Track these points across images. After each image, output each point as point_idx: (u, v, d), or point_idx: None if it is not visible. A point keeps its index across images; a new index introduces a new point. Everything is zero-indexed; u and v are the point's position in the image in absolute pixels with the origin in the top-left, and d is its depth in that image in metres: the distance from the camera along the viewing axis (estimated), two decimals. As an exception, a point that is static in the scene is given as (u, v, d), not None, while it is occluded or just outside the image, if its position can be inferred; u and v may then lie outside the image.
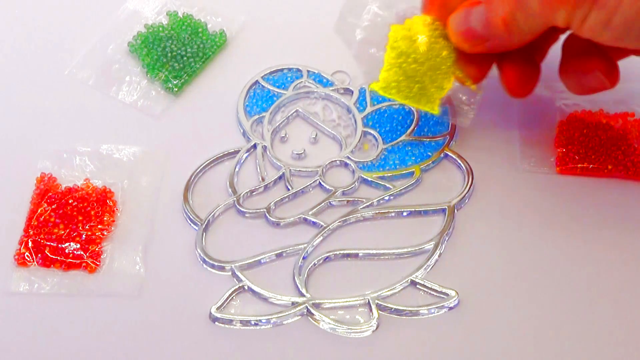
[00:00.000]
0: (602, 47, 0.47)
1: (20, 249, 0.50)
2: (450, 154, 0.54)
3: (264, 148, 0.55)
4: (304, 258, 0.50)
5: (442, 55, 0.49)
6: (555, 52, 0.51)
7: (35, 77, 0.59)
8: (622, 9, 0.41)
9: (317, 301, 0.48)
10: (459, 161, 0.53)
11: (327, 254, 0.50)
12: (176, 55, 0.58)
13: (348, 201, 0.52)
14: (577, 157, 0.53)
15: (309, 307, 0.48)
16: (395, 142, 0.54)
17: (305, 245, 0.50)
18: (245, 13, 0.62)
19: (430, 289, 0.49)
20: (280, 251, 0.50)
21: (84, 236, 0.50)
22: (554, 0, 0.43)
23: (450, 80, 0.50)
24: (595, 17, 0.43)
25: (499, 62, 0.50)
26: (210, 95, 0.58)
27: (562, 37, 0.50)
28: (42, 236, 0.50)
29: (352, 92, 0.57)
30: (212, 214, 0.52)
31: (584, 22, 0.43)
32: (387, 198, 0.52)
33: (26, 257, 0.50)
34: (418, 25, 0.50)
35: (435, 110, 0.51)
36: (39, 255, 0.50)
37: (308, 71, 0.58)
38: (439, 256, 0.50)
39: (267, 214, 0.51)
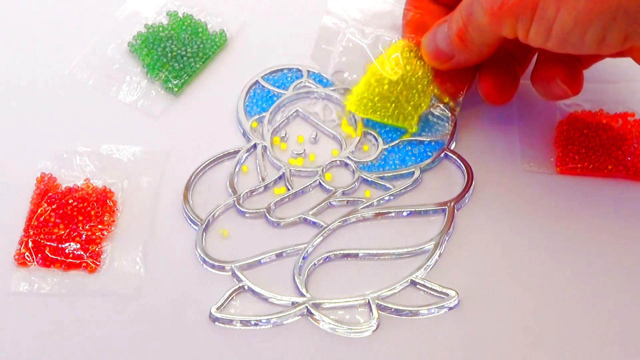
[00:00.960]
0: (568, 57, 0.48)
1: (20, 249, 0.50)
2: (450, 154, 0.54)
3: (264, 148, 0.55)
4: (304, 258, 0.50)
5: (417, 75, 0.52)
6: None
7: (36, 77, 0.59)
8: (559, 19, 0.43)
9: (317, 301, 0.48)
10: (459, 161, 0.53)
11: (327, 254, 0.50)
12: (176, 55, 0.58)
13: (348, 201, 0.52)
14: (577, 157, 0.53)
15: (309, 307, 0.48)
16: (395, 142, 0.54)
17: (305, 245, 0.50)
18: (245, 13, 0.62)
19: (430, 289, 0.49)
20: (280, 251, 0.50)
21: (84, 236, 0.50)
22: (498, 14, 0.45)
23: (428, 98, 0.53)
24: (536, 28, 0.44)
25: (479, 72, 0.52)
26: (210, 95, 0.58)
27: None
28: (42, 236, 0.50)
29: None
30: (212, 214, 0.52)
31: (527, 33, 0.45)
32: (387, 198, 0.52)
33: (26, 257, 0.50)
34: (392, 49, 0.52)
35: (414, 128, 0.53)
36: (39, 255, 0.50)
37: (308, 71, 0.58)
38: (439, 256, 0.50)
39: (267, 214, 0.51)
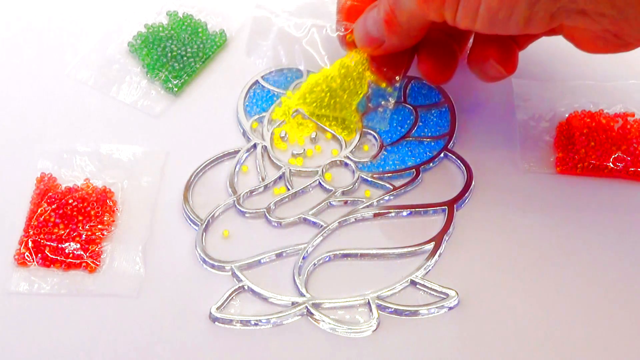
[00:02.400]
0: (501, 38, 0.48)
1: (20, 249, 0.50)
2: (450, 154, 0.54)
3: (264, 148, 0.55)
4: (304, 258, 0.50)
5: (352, 62, 0.52)
6: (551, 45, 0.51)
7: (36, 77, 0.59)
8: (485, 1, 0.43)
9: (317, 301, 0.48)
10: (459, 161, 0.53)
11: (327, 254, 0.50)
12: (176, 55, 0.58)
13: (348, 201, 0.52)
14: (577, 157, 0.53)
15: (309, 307, 0.48)
16: (395, 142, 0.54)
17: (305, 245, 0.50)
18: (245, 13, 0.62)
19: (430, 289, 0.49)
20: (280, 251, 0.50)
21: (84, 236, 0.50)
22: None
23: (365, 85, 0.53)
24: (463, 11, 0.44)
25: (418, 54, 0.52)
26: (210, 95, 0.58)
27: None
28: (42, 236, 0.50)
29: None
30: (212, 214, 0.52)
31: (454, 15, 0.45)
32: (387, 198, 0.52)
33: (26, 257, 0.50)
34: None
35: (353, 117, 0.53)
36: (39, 255, 0.50)
37: (308, 71, 0.58)
38: (439, 256, 0.50)
39: (267, 214, 0.51)
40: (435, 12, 0.45)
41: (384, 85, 0.52)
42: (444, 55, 0.51)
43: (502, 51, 0.49)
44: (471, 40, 0.52)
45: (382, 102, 0.53)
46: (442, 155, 0.54)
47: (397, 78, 0.52)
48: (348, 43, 0.53)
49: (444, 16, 0.45)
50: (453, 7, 0.44)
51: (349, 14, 0.52)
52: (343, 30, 0.53)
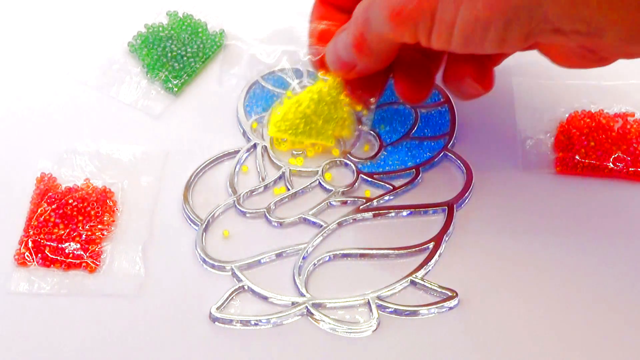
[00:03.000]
0: (477, 56, 0.48)
1: (20, 249, 0.50)
2: (450, 154, 0.54)
3: (264, 148, 0.55)
4: (304, 258, 0.50)
5: (326, 88, 0.51)
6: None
7: (36, 77, 0.59)
8: (459, 22, 0.42)
9: (317, 301, 0.48)
10: (459, 161, 0.53)
11: (327, 254, 0.50)
12: (176, 55, 0.58)
13: (348, 201, 0.52)
14: (577, 157, 0.53)
15: (309, 307, 0.48)
16: (395, 142, 0.54)
17: (305, 245, 0.50)
18: (245, 13, 0.62)
19: (430, 289, 0.49)
20: (280, 251, 0.50)
21: (84, 236, 0.50)
22: (398, 20, 0.44)
23: (340, 110, 0.52)
24: (437, 32, 0.43)
25: (393, 73, 0.51)
26: (210, 95, 0.58)
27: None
28: (42, 236, 0.50)
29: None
30: (212, 214, 0.52)
31: (429, 37, 0.44)
32: (387, 198, 0.52)
33: (26, 257, 0.50)
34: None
35: (330, 142, 0.53)
36: (39, 255, 0.50)
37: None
38: (439, 256, 0.50)
39: (267, 214, 0.51)
40: (408, 34, 0.44)
41: (359, 108, 0.52)
42: (419, 75, 0.50)
43: (477, 69, 0.48)
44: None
45: (358, 126, 0.53)
46: (442, 155, 0.54)
47: (372, 100, 0.52)
48: (321, 67, 0.52)
49: (417, 38, 0.44)
50: (427, 29, 0.43)
51: (320, 38, 0.52)
52: (315, 54, 0.52)
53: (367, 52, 0.47)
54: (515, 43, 0.42)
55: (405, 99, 0.51)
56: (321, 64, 0.52)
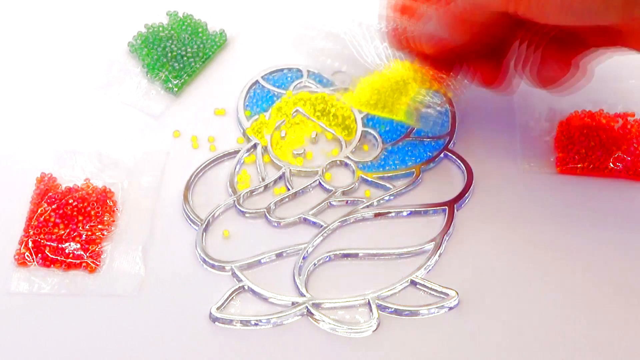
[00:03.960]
0: (560, 39, 0.47)
1: (20, 249, 0.50)
2: (450, 154, 0.54)
3: (264, 148, 0.55)
4: (304, 258, 0.50)
5: (403, 64, 0.52)
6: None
7: (36, 77, 0.59)
8: None
9: (317, 301, 0.48)
10: (459, 161, 0.53)
11: (327, 254, 0.50)
12: (176, 55, 0.58)
13: (348, 201, 0.52)
14: (577, 157, 0.53)
15: (309, 307, 0.48)
16: (395, 142, 0.54)
17: (305, 245, 0.50)
18: (245, 13, 0.62)
19: (430, 289, 0.49)
20: (280, 251, 0.50)
21: (84, 236, 0.50)
22: None
23: (414, 87, 0.52)
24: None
25: (466, 64, 0.50)
26: (210, 95, 0.58)
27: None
28: (42, 236, 0.50)
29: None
30: (212, 214, 0.52)
31: (529, 5, 0.43)
32: (387, 198, 0.52)
33: (26, 257, 0.50)
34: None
35: (403, 117, 0.53)
36: (39, 255, 0.50)
37: (308, 71, 0.58)
38: (439, 256, 0.50)
39: (267, 214, 0.51)
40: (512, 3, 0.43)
41: (435, 87, 0.52)
42: (493, 62, 0.50)
43: (561, 50, 0.47)
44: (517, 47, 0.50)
45: (432, 104, 0.53)
46: (442, 155, 0.54)
47: (450, 76, 0.51)
48: (398, 41, 0.51)
49: (518, 6, 0.43)
50: None
51: (401, 13, 0.51)
52: (394, 26, 0.51)
53: (463, 25, 0.46)
54: (615, 7, 0.41)
55: (483, 82, 0.50)
56: (398, 39, 0.51)
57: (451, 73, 0.51)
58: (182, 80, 0.58)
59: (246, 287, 0.49)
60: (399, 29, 0.51)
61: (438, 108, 0.53)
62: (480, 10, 0.46)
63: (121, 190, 0.53)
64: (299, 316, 0.48)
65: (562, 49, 0.47)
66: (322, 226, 0.51)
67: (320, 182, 0.53)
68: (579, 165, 0.52)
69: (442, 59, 0.50)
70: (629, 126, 0.54)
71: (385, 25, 0.52)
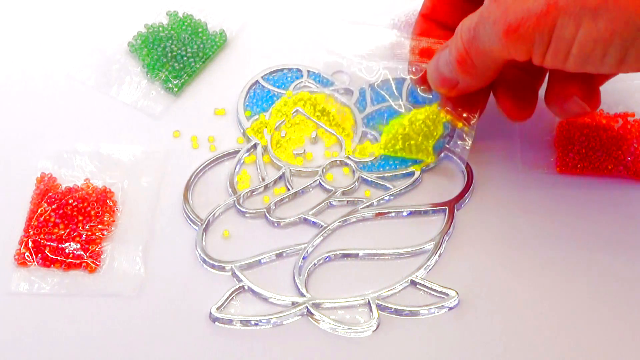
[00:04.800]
0: (584, 75, 0.47)
1: (20, 249, 0.50)
2: (450, 154, 0.54)
3: (264, 148, 0.55)
4: (304, 258, 0.50)
5: (425, 114, 0.52)
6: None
7: (36, 77, 0.59)
8: (578, 40, 0.42)
9: (317, 301, 0.48)
10: (459, 161, 0.53)
11: (327, 254, 0.50)
12: (176, 55, 0.58)
13: (348, 201, 0.52)
14: (577, 157, 0.53)
15: (309, 307, 0.48)
16: (395, 142, 0.55)
17: (305, 245, 0.50)
18: (245, 13, 0.62)
19: (430, 289, 0.49)
20: (280, 251, 0.50)
21: (84, 236, 0.50)
22: (514, 36, 0.43)
23: (440, 127, 0.52)
24: (554, 50, 0.43)
25: (495, 92, 0.51)
26: (210, 95, 0.58)
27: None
28: (42, 236, 0.50)
29: (352, 92, 0.57)
30: (212, 214, 0.52)
31: (544, 55, 0.43)
32: (387, 198, 0.52)
33: (26, 257, 0.50)
34: None
35: (430, 158, 0.53)
36: (39, 255, 0.50)
37: (308, 71, 0.58)
38: (439, 256, 0.50)
39: (267, 214, 0.51)
40: (522, 52, 0.44)
41: (459, 125, 0.51)
42: (522, 92, 0.50)
43: (584, 87, 0.47)
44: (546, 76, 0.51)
45: (459, 142, 0.53)
46: (442, 155, 0.54)
47: (474, 117, 0.51)
48: (422, 84, 0.52)
49: (531, 55, 0.44)
50: (543, 46, 0.43)
51: (422, 55, 0.52)
52: (416, 71, 0.52)
53: (471, 70, 0.47)
54: (633, 65, 0.42)
55: (510, 117, 0.50)
56: (422, 81, 0.52)
57: (474, 112, 0.51)
58: (182, 80, 0.58)
59: (246, 287, 0.49)
60: (422, 71, 0.52)
61: (461, 144, 0.53)
62: (492, 58, 0.46)
63: (121, 190, 0.53)
64: (299, 316, 0.48)
65: (585, 86, 0.48)
66: (322, 226, 0.51)
67: (320, 182, 0.53)
68: (579, 165, 0.52)
69: (465, 98, 0.50)
70: (629, 126, 0.54)
71: (409, 69, 0.53)
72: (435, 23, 0.53)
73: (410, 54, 0.53)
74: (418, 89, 0.54)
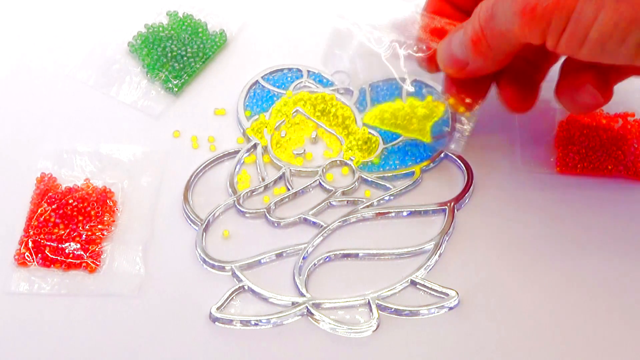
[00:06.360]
0: (599, 66, 0.46)
1: (20, 249, 0.50)
2: (450, 154, 0.54)
3: (264, 148, 0.55)
4: (304, 258, 0.50)
5: (427, 100, 0.51)
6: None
7: (36, 77, 0.59)
8: (597, 24, 0.41)
9: (317, 301, 0.48)
10: (459, 161, 0.53)
11: (327, 254, 0.50)
12: (176, 55, 0.58)
13: (348, 201, 0.52)
14: (577, 157, 0.53)
15: (309, 307, 0.48)
16: (395, 142, 0.54)
17: (305, 245, 0.50)
18: (245, 13, 0.62)
19: (430, 289, 0.49)
20: (280, 251, 0.50)
21: (84, 236, 0.50)
22: (530, 17, 0.42)
23: (441, 108, 0.52)
24: (569, 35, 0.42)
25: (498, 81, 0.50)
26: (210, 95, 0.58)
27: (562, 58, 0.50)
28: (42, 236, 0.50)
29: (352, 92, 0.57)
30: (212, 214, 0.52)
31: (559, 38, 0.42)
32: (387, 198, 0.52)
33: (26, 257, 0.50)
34: None
35: (427, 138, 0.52)
36: (39, 255, 0.50)
37: (308, 71, 0.58)
38: (439, 256, 0.50)
39: (267, 214, 0.51)
40: (537, 34, 0.43)
41: (461, 110, 0.51)
42: (525, 84, 0.49)
43: (598, 77, 0.46)
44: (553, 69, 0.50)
45: (458, 127, 0.52)
46: (442, 155, 0.54)
47: (476, 104, 0.50)
48: (429, 63, 0.51)
49: (545, 38, 0.43)
50: (559, 30, 0.42)
51: (433, 34, 0.51)
52: (425, 49, 0.51)
53: (485, 51, 0.46)
54: None
55: (510, 108, 0.50)
56: (430, 60, 0.51)
57: (478, 99, 0.50)
58: (182, 80, 0.58)
59: (246, 287, 0.49)
60: (430, 50, 0.51)
61: (460, 128, 0.52)
62: (508, 41, 0.45)
63: (121, 190, 0.53)
64: (299, 316, 0.48)
65: (600, 76, 0.47)
66: (322, 226, 0.51)
67: (320, 182, 0.53)
68: (579, 165, 0.52)
69: (470, 83, 0.50)
70: (629, 126, 0.54)
71: (417, 46, 0.52)
72: (449, 3, 0.52)
73: (422, 31, 0.51)
74: (424, 69, 0.52)
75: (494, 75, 0.50)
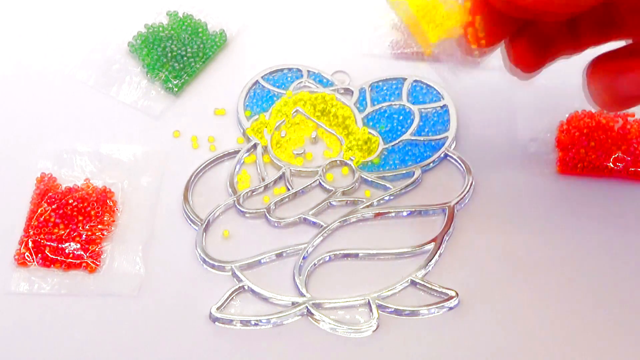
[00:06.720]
0: None
1: (20, 249, 0.50)
2: (450, 154, 0.54)
3: (264, 148, 0.55)
4: (304, 258, 0.50)
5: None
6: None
7: (36, 77, 0.59)
8: None
9: (317, 301, 0.48)
10: (459, 161, 0.53)
11: (327, 254, 0.50)
12: (176, 55, 0.58)
13: (348, 201, 0.52)
14: (577, 157, 0.53)
15: (309, 307, 0.48)
16: (395, 142, 0.54)
17: (305, 245, 0.50)
18: (245, 13, 0.62)
19: (430, 289, 0.49)
20: (280, 251, 0.50)
21: (84, 236, 0.50)
22: None
23: (452, 23, 0.46)
24: None
25: (517, 35, 0.45)
26: (210, 95, 0.58)
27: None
28: (42, 236, 0.50)
29: (352, 92, 0.57)
30: (212, 214, 0.52)
31: None
32: (387, 198, 0.52)
33: (26, 257, 0.50)
34: None
35: (428, 51, 0.48)
36: (39, 255, 0.50)
37: (308, 71, 0.58)
38: (439, 256, 0.50)
39: (267, 214, 0.51)
40: None
41: (474, 45, 0.45)
42: (540, 44, 0.45)
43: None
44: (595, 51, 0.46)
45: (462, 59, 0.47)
46: (442, 155, 0.54)
47: (488, 50, 0.45)
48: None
49: None
50: None
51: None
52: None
53: None
54: None
55: (516, 62, 0.45)
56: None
57: (493, 42, 0.45)
58: (182, 80, 0.58)
59: (246, 287, 0.49)
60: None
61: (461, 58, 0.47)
62: None
63: (121, 190, 0.53)
64: (299, 316, 0.48)
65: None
66: (322, 226, 0.51)
67: (320, 182, 0.53)
68: (579, 165, 0.52)
69: (495, 21, 0.44)
70: (628, 126, 0.54)
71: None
72: None
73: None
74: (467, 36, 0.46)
75: (515, 28, 0.44)
